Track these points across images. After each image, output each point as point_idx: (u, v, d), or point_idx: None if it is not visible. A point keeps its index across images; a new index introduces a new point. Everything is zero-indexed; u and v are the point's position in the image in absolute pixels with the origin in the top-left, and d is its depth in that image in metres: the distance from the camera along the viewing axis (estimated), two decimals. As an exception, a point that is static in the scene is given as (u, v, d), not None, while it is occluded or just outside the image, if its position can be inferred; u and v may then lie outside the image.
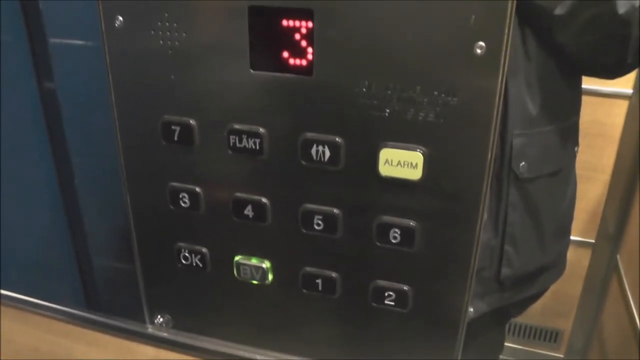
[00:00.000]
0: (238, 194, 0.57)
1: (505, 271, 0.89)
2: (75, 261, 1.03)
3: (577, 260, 1.51)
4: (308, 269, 0.59)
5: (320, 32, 0.48)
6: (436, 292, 0.56)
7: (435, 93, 0.47)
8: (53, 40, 0.86)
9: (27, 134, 0.93)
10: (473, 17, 0.44)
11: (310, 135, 0.52)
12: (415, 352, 0.60)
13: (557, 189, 0.92)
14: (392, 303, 0.57)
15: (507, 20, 0.43)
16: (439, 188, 0.51)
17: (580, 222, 1.52)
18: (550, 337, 1.70)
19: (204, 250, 0.62)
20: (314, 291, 0.59)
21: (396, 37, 0.46)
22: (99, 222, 1.02)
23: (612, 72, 0.83)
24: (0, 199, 0.89)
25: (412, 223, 0.53)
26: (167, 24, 0.52)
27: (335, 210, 0.55)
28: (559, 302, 1.59)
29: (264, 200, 0.57)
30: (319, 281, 0.59)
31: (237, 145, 0.55)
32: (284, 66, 0.50)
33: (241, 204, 0.58)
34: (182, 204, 0.60)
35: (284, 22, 0.49)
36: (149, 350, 0.71)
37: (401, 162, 0.50)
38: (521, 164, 0.84)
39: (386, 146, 0.50)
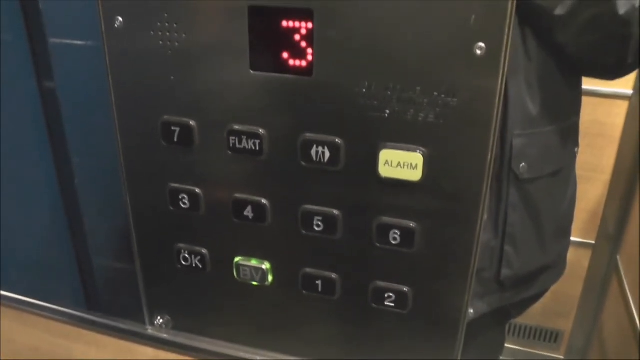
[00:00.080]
0: (238, 195, 0.57)
1: (505, 272, 0.89)
2: (75, 261, 1.03)
3: (577, 261, 1.51)
4: (308, 269, 0.59)
5: (320, 32, 0.48)
6: (436, 292, 0.56)
7: (435, 93, 0.47)
8: (53, 40, 0.86)
9: (27, 134, 0.93)
10: (473, 17, 0.44)
11: (310, 136, 0.52)
12: (415, 353, 0.60)
13: (558, 189, 0.92)
14: (392, 304, 0.57)
15: (507, 21, 0.43)
16: (439, 189, 0.51)
17: (581, 222, 1.52)
18: (550, 337, 1.70)
19: (204, 251, 0.62)
20: (314, 292, 0.59)
21: (396, 37, 0.46)
22: (99, 222, 1.02)
23: (613, 72, 0.83)
24: (0, 199, 0.89)
25: (412, 224, 0.53)
26: (167, 24, 0.52)
27: (335, 211, 0.55)
28: (559, 302, 1.59)
29: (264, 201, 0.57)
30: (318, 282, 0.59)
31: (237, 146, 0.55)
32: (283, 67, 0.50)
33: (241, 204, 0.58)
34: (182, 205, 0.60)
35: (284, 23, 0.49)
36: (148, 351, 0.71)
37: (401, 163, 0.50)
38: (521, 165, 0.84)
39: (386, 147, 0.50)
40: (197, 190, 0.59)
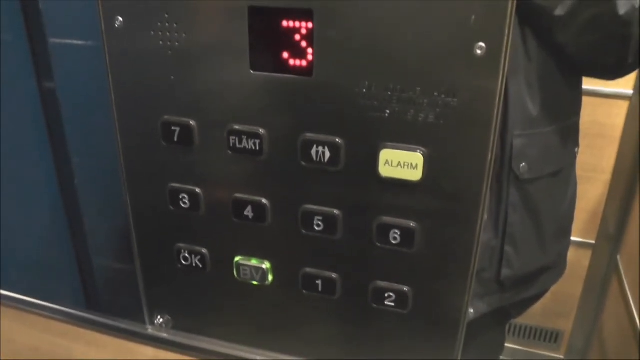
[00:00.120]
0: (238, 195, 0.57)
1: (505, 272, 0.89)
2: (75, 261, 1.03)
3: (577, 261, 1.51)
4: (308, 269, 0.59)
5: (320, 32, 0.48)
6: (436, 292, 0.56)
7: (436, 94, 0.47)
8: (53, 40, 0.86)
9: (27, 134, 0.93)
10: (473, 17, 0.44)
11: (310, 135, 0.52)
12: (415, 353, 0.60)
13: (558, 189, 0.92)
14: (392, 304, 0.57)
15: (508, 21, 0.43)
16: (439, 189, 0.51)
17: (581, 222, 1.51)
18: (550, 337, 1.70)
19: (204, 250, 0.62)
20: (314, 292, 0.59)
21: (396, 37, 0.46)
22: (99, 222, 1.02)
23: (613, 72, 0.83)
24: (0, 199, 0.89)
25: (412, 224, 0.53)
26: (167, 24, 0.52)
27: (335, 211, 0.55)
28: (559, 302, 1.59)
29: (264, 201, 0.57)
30: (319, 282, 0.59)
31: (237, 145, 0.55)
32: (284, 67, 0.50)
33: (241, 204, 0.58)
34: (182, 205, 0.60)
35: (284, 23, 0.49)
36: (148, 351, 0.71)
37: (401, 163, 0.50)
38: (521, 165, 0.84)
39: (386, 147, 0.50)
40: (197, 190, 0.59)
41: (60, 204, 0.98)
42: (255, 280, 0.61)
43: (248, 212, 0.57)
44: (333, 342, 0.63)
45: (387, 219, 0.53)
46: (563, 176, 0.91)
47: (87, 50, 0.86)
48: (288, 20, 0.48)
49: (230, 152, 0.55)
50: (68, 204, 0.98)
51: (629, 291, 1.23)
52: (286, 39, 0.49)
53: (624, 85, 1.38)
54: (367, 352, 0.62)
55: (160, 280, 0.67)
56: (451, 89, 0.46)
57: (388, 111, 0.49)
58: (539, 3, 0.75)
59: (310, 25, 0.48)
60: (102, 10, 0.54)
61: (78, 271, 1.04)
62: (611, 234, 1.44)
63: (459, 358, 0.58)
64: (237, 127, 0.54)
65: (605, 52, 0.79)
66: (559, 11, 0.74)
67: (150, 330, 0.70)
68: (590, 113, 1.35)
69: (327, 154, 0.52)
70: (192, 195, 0.59)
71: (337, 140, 0.51)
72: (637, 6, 0.71)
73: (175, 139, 0.56)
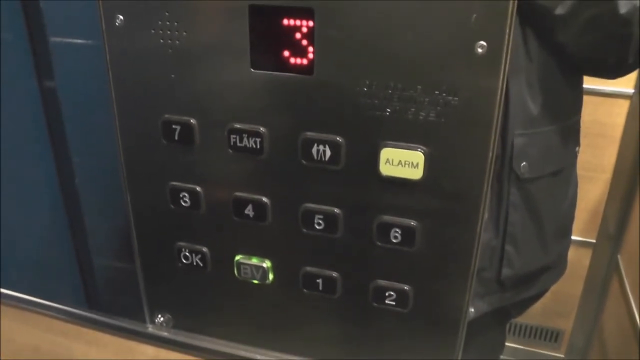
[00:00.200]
0: (238, 194, 0.57)
1: (505, 271, 0.89)
2: (75, 260, 1.03)
3: (577, 260, 1.51)
4: (308, 268, 0.59)
5: (321, 31, 0.48)
6: (437, 292, 0.56)
7: (436, 92, 0.47)
8: (53, 39, 0.86)
9: (28, 133, 0.92)
10: (474, 16, 0.44)
11: (310, 134, 0.52)
12: (415, 352, 0.60)
13: (558, 189, 0.92)
14: (393, 303, 0.57)
15: (508, 20, 0.43)
16: (439, 188, 0.51)
17: (581, 222, 1.51)
18: (550, 337, 1.70)
19: (205, 249, 0.62)
20: (315, 291, 0.59)
21: (397, 36, 0.46)
22: (99, 221, 1.02)
23: (613, 72, 0.83)
24: (0, 199, 0.89)
25: (412, 223, 0.53)
26: (167, 23, 0.52)
27: (336, 210, 0.55)
28: (559, 302, 1.59)
29: (265, 199, 0.57)
30: (319, 281, 0.59)
31: (238, 144, 0.54)
32: (284, 65, 0.50)
33: (242, 203, 0.58)
34: (183, 204, 0.60)
35: (285, 21, 0.49)
36: (149, 350, 0.71)
37: (402, 162, 0.50)
38: (522, 164, 0.83)
39: (387, 146, 0.50)
40: (198, 189, 0.59)
41: (60, 203, 0.98)
42: (255, 279, 0.61)
43: (249, 210, 0.57)
44: (333, 341, 0.63)
45: (387, 218, 0.53)
46: (564, 176, 0.91)
47: (87, 49, 0.86)
48: (289, 18, 0.48)
49: (230, 151, 0.55)
50: (68, 203, 0.98)
51: (630, 290, 1.23)
52: (287, 38, 0.49)
53: (624, 85, 1.38)
54: (367, 351, 0.62)
55: (160, 279, 0.67)
56: (452, 87, 0.46)
57: (389, 110, 0.49)
58: (540, 3, 0.75)
59: (311, 23, 0.48)
60: (102, 9, 0.54)
61: (78, 270, 1.04)
62: (612, 234, 1.44)
63: (460, 357, 0.58)
64: (237, 125, 0.54)
65: (606, 51, 0.79)
66: (560, 10, 0.74)
67: (150, 329, 0.70)
68: (591, 112, 1.35)
69: (328, 153, 0.52)
70: (193, 194, 0.59)
71: (338, 138, 0.51)
72: (637, 6, 0.71)
73: (176, 138, 0.56)
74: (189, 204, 0.59)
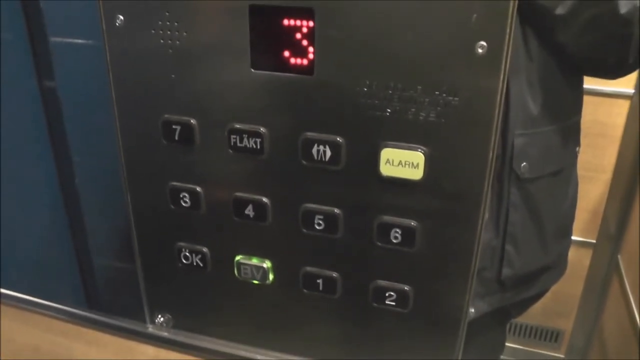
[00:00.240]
0: (239, 194, 0.57)
1: (506, 271, 0.89)
2: (75, 260, 1.03)
3: (578, 260, 1.51)
4: (309, 268, 0.59)
5: (321, 31, 0.48)
6: (437, 292, 0.56)
7: (437, 93, 0.47)
8: (54, 39, 0.86)
9: (28, 133, 0.92)
10: (474, 16, 0.44)
11: (311, 134, 0.52)
12: (415, 352, 0.60)
13: (559, 189, 0.92)
14: (393, 303, 0.57)
15: (509, 20, 0.43)
16: (440, 188, 0.51)
17: (581, 222, 1.51)
18: (551, 337, 1.70)
19: (205, 249, 0.62)
20: (315, 291, 0.59)
21: (397, 36, 0.46)
22: (99, 221, 1.02)
23: (613, 72, 0.83)
24: (0, 198, 0.89)
25: (413, 223, 0.53)
26: (167, 23, 0.52)
27: (336, 210, 0.55)
28: (559, 302, 1.59)
29: (265, 199, 0.57)
30: (319, 281, 0.59)
31: (238, 144, 0.54)
32: (284, 65, 0.50)
33: (242, 203, 0.57)
34: (183, 204, 0.60)
35: (285, 22, 0.49)
36: (149, 350, 0.71)
37: (402, 162, 0.50)
38: (522, 164, 0.83)
39: (387, 146, 0.50)
40: (198, 189, 0.59)
41: (60, 203, 0.98)
42: (255, 280, 0.61)
43: (249, 211, 0.57)
44: (334, 342, 0.63)
45: (387, 218, 0.53)
46: (564, 176, 0.91)
47: (88, 49, 0.86)
48: (289, 19, 0.48)
49: (231, 151, 0.55)
50: (68, 203, 0.98)
51: (630, 291, 1.23)
52: (287, 38, 0.49)
53: (625, 85, 1.38)
54: (367, 351, 0.62)
55: (160, 279, 0.67)
56: (452, 88, 0.46)
57: (389, 110, 0.49)
58: (540, 2, 0.75)
59: (311, 24, 0.48)
60: (102, 9, 0.54)
61: (78, 270, 1.04)
62: (612, 234, 1.44)
63: (460, 357, 0.58)
64: (237, 126, 0.54)
65: (606, 51, 0.79)
66: (560, 10, 0.74)
67: (150, 329, 0.70)
68: (592, 112, 1.35)
69: (328, 153, 0.52)
70: (193, 194, 0.59)
71: (338, 139, 0.51)
72: (637, 6, 0.71)
73: (176, 138, 0.56)
74: (189, 204, 0.59)
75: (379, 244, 0.54)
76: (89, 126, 0.94)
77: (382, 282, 0.57)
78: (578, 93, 0.90)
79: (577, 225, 1.00)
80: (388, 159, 0.50)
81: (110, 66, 0.56)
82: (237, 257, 0.61)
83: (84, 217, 0.99)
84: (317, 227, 0.56)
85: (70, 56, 0.88)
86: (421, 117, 0.48)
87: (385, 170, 0.51)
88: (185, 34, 0.52)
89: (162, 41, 0.53)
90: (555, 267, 0.98)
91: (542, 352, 1.72)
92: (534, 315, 1.59)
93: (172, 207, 0.60)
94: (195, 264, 0.63)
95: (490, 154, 0.48)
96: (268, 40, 0.50)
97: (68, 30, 0.87)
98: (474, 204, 0.50)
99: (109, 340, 0.73)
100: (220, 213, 0.59)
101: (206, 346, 0.67)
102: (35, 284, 0.92)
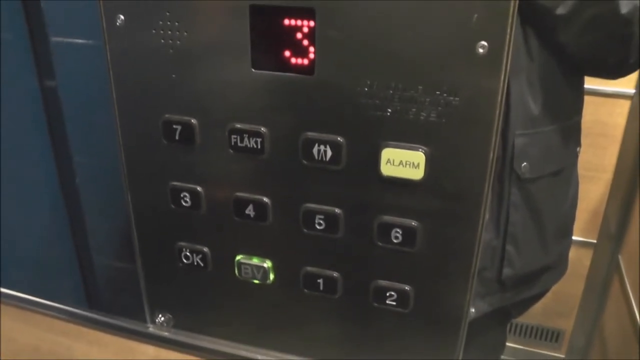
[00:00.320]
0: (239, 194, 0.57)
1: (506, 271, 0.89)
2: (76, 260, 1.03)
3: (578, 260, 1.51)
4: (309, 268, 0.59)
5: (321, 31, 0.48)
6: (437, 292, 0.56)
7: (437, 93, 0.47)
8: (54, 39, 0.86)
9: (28, 133, 0.92)
10: (475, 16, 0.44)
11: (311, 134, 0.52)
12: (416, 352, 0.60)
13: (559, 189, 0.92)
14: (394, 303, 0.57)
15: (510, 20, 0.43)
16: (440, 188, 0.51)
17: (582, 222, 1.51)
18: (551, 337, 1.70)
19: (205, 249, 0.62)
20: (315, 291, 0.59)
21: (398, 36, 0.46)
22: (100, 221, 1.02)
23: (614, 72, 0.83)
24: (0, 198, 0.89)
25: (413, 223, 0.53)
26: (168, 23, 0.52)
27: (337, 210, 0.55)
28: (560, 302, 1.59)
29: (265, 199, 0.57)
30: (320, 281, 0.59)
31: (239, 144, 0.54)
32: (285, 65, 0.50)
33: (242, 203, 0.57)
34: (183, 203, 0.60)
35: (286, 21, 0.49)
36: (149, 350, 0.71)
37: (403, 162, 0.50)
38: (523, 164, 0.83)
39: (388, 146, 0.50)
40: (199, 189, 0.59)
41: (61, 203, 0.98)
42: (256, 279, 0.61)
43: (249, 210, 0.57)
44: (334, 341, 0.63)
45: (388, 218, 0.53)
46: (564, 175, 0.91)
47: (88, 49, 0.86)
48: (289, 18, 0.48)
49: (231, 151, 0.55)
50: (69, 202, 0.98)
51: (630, 290, 1.23)
52: (288, 38, 0.49)
53: (625, 85, 1.38)
54: (368, 351, 0.62)
55: (161, 279, 0.67)
56: (453, 87, 0.46)
57: (390, 110, 0.49)
58: (541, 2, 0.75)
59: (312, 23, 0.48)
60: (103, 8, 0.54)
61: (79, 270, 1.04)
62: (612, 234, 1.44)
63: (460, 357, 0.58)
64: (238, 125, 0.54)
65: (607, 51, 0.79)
66: (561, 10, 0.74)
67: (151, 329, 0.70)
68: (592, 112, 1.36)
69: (329, 153, 0.52)
70: (193, 194, 0.59)
71: (339, 139, 0.51)
72: (638, 6, 0.71)
73: (177, 138, 0.56)
74: (189, 204, 0.59)
75: (380, 243, 0.54)
76: (90, 126, 0.94)
77: (383, 282, 0.57)
78: (579, 93, 0.90)
79: (577, 225, 1.00)
80: (389, 159, 0.50)
81: (111, 66, 0.56)
82: (238, 257, 0.61)
83: (84, 217, 1.00)
84: (318, 227, 0.56)
85: (71, 56, 0.88)
86: (422, 117, 0.48)
87: (386, 170, 0.51)
88: (185, 33, 0.52)
89: (162, 41, 0.53)
90: (556, 267, 0.98)
91: (543, 352, 1.72)
92: (534, 315, 1.59)
93: (173, 206, 0.60)
94: (195, 263, 0.63)
95: (491, 154, 0.48)
96: (268, 40, 0.50)
97: (69, 30, 0.87)
98: (475, 204, 0.50)
99: (110, 340, 0.73)
100: (220, 213, 0.59)
101: (206, 346, 0.67)
102: (35, 284, 0.92)
